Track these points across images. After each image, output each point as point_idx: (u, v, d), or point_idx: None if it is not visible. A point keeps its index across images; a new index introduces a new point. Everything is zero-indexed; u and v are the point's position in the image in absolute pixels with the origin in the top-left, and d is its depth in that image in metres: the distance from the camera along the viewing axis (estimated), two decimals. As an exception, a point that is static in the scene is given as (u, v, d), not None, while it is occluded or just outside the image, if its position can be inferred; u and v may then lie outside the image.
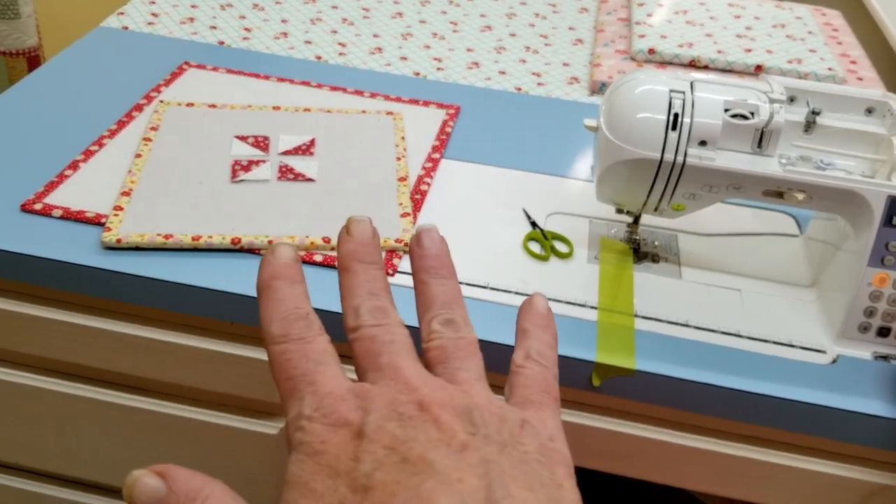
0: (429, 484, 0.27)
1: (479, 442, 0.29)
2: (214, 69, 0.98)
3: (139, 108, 0.89)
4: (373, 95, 0.96)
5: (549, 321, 0.38)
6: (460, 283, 0.71)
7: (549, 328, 0.37)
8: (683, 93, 0.66)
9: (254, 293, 0.68)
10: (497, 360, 0.70)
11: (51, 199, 0.75)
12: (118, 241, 0.71)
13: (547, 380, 0.35)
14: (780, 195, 0.68)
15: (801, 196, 0.67)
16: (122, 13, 1.10)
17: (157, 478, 0.30)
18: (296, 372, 0.32)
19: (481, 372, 0.34)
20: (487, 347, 0.68)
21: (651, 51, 1.07)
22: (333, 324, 0.69)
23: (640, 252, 0.77)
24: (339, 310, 0.70)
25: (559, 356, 0.66)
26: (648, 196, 0.69)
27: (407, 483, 0.27)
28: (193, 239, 0.72)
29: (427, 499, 0.26)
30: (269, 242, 0.72)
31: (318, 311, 0.70)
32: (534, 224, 0.79)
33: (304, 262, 0.72)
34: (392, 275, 0.71)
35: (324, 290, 0.69)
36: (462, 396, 0.31)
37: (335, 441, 0.29)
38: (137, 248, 0.71)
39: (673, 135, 0.66)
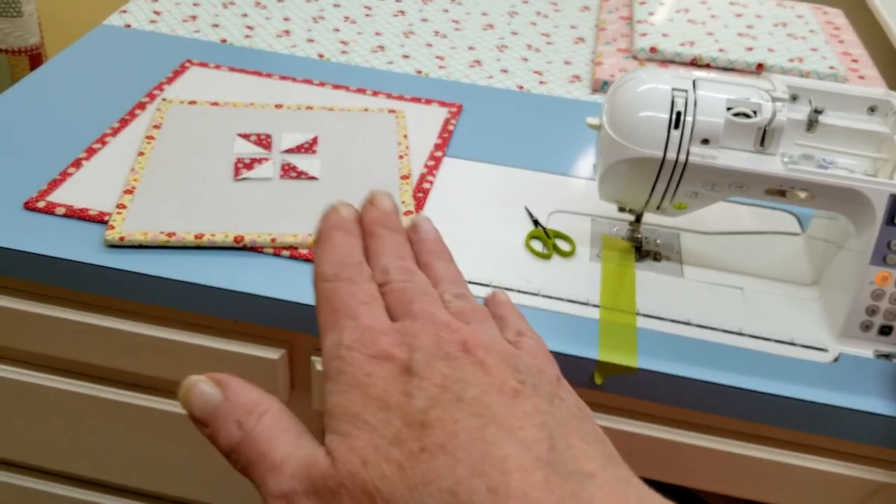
0: (491, 429, 0.26)
1: (529, 391, 0.28)
2: (217, 67, 0.99)
3: (142, 106, 0.90)
4: (375, 93, 0.96)
5: (517, 310, 0.38)
6: (463, 281, 0.72)
7: (522, 316, 0.37)
8: (686, 91, 0.66)
9: (256, 291, 0.69)
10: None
11: (54, 197, 0.75)
12: (121, 239, 0.71)
13: (547, 352, 0.34)
14: (782, 194, 0.68)
15: (803, 195, 0.67)
16: (124, 11, 1.10)
17: (215, 385, 0.30)
18: (340, 306, 0.31)
19: (504, 334, 0.34)
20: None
21: (653, 49, 1.07)
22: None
23: (642, 250, 0.77)
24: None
25: (561, 354, 0.66)
26: (651, 194, 0.69)
27: (467, 424, 0.26)
28: (196, 237, 0.72)
29: (491, 443, 0.26)
30: (272, 241, 0.72)
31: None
32: (536, 222, 0.79)
33: (307, 260, 0.72)
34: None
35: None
36: (502, 342, 0.31)
37: (381, 374, 0.28)
38: (140, 246, 0.72)
39: (675, 133, 0.66)
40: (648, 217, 0.79)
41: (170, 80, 0.95)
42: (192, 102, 0.90)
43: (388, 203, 0.37)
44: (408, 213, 0.77)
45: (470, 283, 0.72)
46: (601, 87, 1.03)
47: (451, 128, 0.92)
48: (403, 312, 0.31)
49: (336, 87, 0.97)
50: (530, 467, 0.25)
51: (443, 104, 0.96)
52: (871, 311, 0.68)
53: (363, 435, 0.27)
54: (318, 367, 0.73)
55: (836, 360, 0.68)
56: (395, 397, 0.27)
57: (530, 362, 0.30)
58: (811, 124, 0.69)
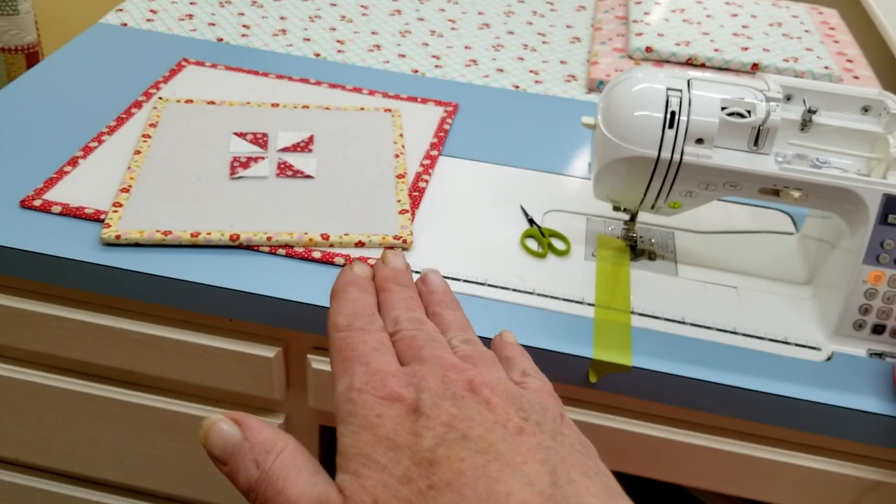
0: (495, 465, 0.27)
1: (532, 428, 0.29)
2: (213, 66, 0.99)
3: (138, 104, 0.90)
4: (371, 92, 0.97)
5: (524, 351, 0.40)
6: (458, 279, 0.72)
7: (528, 356, 0.40)
8: (680, 91, 0.67)
9: (252, 289, 0.69)
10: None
11: (50, 196, 0.76)
12: (117, 237, 0.71)
13: (552, 391, 0.36)
14: (776, 193, 0.68)
15: (797, 194, 0.67)
16: (120, 10, 1.10)
17: (234, 425, 0.32)
18: (352, 353, 0.33)
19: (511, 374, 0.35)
20: (485, 344, 0.68)
21: (648, 49, 1.07)
22: (322, 318, 0.69)
23: (636, 249, 0.78)
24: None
25: (557, 353, 0.66)
26: (645, 194, 0.69)
27: (473, 462, 0.27)
28: (192, 235, 0.72)
29: (496, 479, 0.27)
30: (268, 239, 0.72)
31: (315, 306, 0.71)
32: (531, 221, 0.80)
33: (303, 258, 0.72)
34: (390, 271, 0.72)
35: (322, 287, 0.70)
36: (507, 382, 0.32)
37: (390, 415, 0.29)
38: (136, 245, 0.72)
39: (670, 133, 0.66)
40: (643, 216, 0.80)
41: (166, 79, 0.95)
42: (189, 101, 0.90)
43: (398, 261, 0.40)
44: (403, 211, 0.77)
45: (465, 281, 0.72)
46: (597, 86, 1.04)
47: (446, 127, 0.92)
48: (413, 357, 0.33)
49: (332, 86, 0.97)
50: (533, 502, 0.26)
51: (439, 103, 0.96)
52: (865, 310, 0.68)
53: (374, 475, 0.28)
54: (314, 364, 0.73)
55: (829, 358, 0.69)
56: (403, 437, 0.29)
57: (535, 400, 0.32)
58: (805, 124, 0.69)
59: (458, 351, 0.35)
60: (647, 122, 0.66)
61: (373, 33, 1.12)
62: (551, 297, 0.71)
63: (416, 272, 0.72)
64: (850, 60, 1.12)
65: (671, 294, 0.73)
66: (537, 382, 0.35)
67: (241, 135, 0.85)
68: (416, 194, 0.81)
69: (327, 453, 0.85)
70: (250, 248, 0.73)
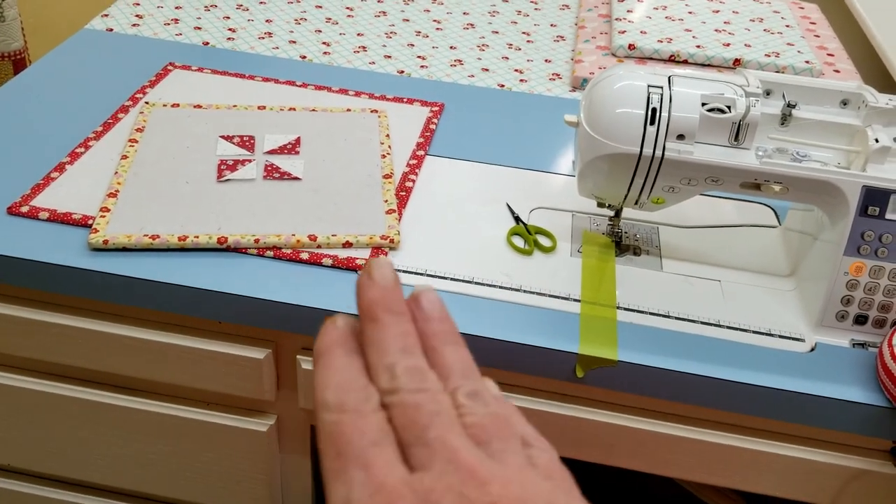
0: None
1: None
2: (199, 70, 0.99)
3: (125, 109, 0.90)
4: (357, 94, 0.97)
5: (513, 407, 0.34)
6: (445, 278, 0.73)
7: (518, 411, 0.34)
8: (661, 88, 0.67)
9: (241, 291, 0.69)
10: (483, 352, 0.71)
11: (37, 202, 0.76)
12: (105, 242, 0.72)
13: (560, 464, 0.31)
14: (757, 187, 0.69)
15: (777, 188, 0.68)
16: (106, 15, 1.11)
17: None
18: (347, 448, 0.28)
19: (524, 452, 0.30)
20: (471, 340, 0.69)
21: (631, 46, 1.08)
22: (311, 319, 0.69)
23: (621, 245, 0.78)
24: (322, 305, 0.71)
25: (544, 349, 0.67)
26: (629, 190, 0.70)
27: None
28: (180, 239, 0.72)
29: None
30: (256, 241, 0.73)
31: (303, 307, 0.71)
32: (517, 219, 0.80)
33: (290, 260, 0.73)
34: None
35: (310, 287, 0.70)
36: (534, 491, 0.27)
37: None
38: (124, 249, 0.72)
39: (651, 129, 0.67)
40: (627, 212, 0.80)
41: (152, 84, 0.95)
42: (175, 105, 0.91)
43: (388, 277, 0.32)
44: (390, 211, 0.78)
45: (452, 279, 0.73)
46: (581, 84, 1.04)
47: (433, 127, 0.92)
48: (416, 440, 0.28)
49: (318, 87, 0.98)
50: None
51: (425, 103, 0.97)
52: (847, 301, 0.69)
53: None
54: (304, 365, 0.74)
55: (812, 349, 0.70)
56: None
57: None
58: (785, 118, 0.70)
59: (467, 418, 0.30)
60: (629, 118, 0.67)
61: (358, 35, 1.12)
62: (538, 293, 0.72)
63: (406, 272, 0.73)
64: (830, 55, 1.13)
65: (656, 288, 0.74)
66: (544, 456, 0.30)
67: (228, 138, 0.86)
68: (403, 194, 0.82)
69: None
70: (238, 250, 0.73)
